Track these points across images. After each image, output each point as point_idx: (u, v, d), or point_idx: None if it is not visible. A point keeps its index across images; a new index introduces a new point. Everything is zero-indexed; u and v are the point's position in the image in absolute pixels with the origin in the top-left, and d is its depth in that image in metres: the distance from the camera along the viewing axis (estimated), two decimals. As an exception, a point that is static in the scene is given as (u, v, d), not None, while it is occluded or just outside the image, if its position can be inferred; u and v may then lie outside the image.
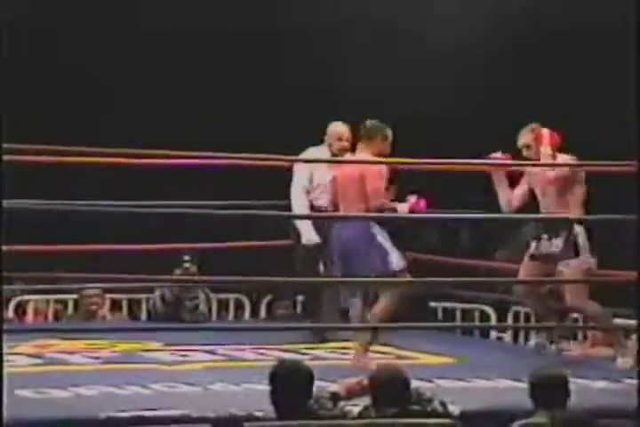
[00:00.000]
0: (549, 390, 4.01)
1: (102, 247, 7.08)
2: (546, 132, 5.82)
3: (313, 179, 6.30)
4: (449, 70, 9.02)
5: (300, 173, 6.30)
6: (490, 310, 7.02)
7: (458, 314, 7.15)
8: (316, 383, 4.16)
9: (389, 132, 5.70)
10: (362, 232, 5.54)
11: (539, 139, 5.77)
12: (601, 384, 5.02)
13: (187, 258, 6.91)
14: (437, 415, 4.10)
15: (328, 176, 6.09)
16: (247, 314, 7.35)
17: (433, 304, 7.18)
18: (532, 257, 5.80)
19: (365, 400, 4.19)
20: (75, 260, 7.01)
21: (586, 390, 4.77)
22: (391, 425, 3.98)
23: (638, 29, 4.61)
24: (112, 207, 5.99)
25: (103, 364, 5.42)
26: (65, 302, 7.19)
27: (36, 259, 6.69)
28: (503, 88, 8.95)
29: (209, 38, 9.21)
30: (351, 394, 4.26)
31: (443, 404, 4.18)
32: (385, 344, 5.87)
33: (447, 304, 7.16)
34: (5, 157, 4.34)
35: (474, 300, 7.08)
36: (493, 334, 6.97)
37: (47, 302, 7.13)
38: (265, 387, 4.14)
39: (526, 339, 6.68)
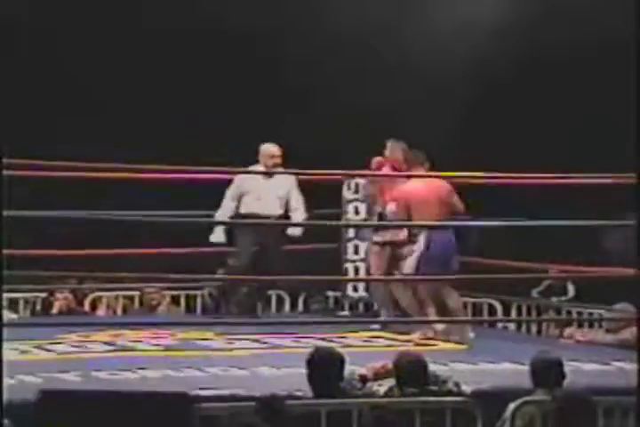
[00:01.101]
0: (547, 372, 4.02)
1: (160, 250, 7.11)
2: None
3: (246, 189, 6.47)
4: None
5: (234, 185, 6.49)
6: (496, 304, 7.02)
7: (469, 307, 7.15)
8: (347, 367, 4.19)
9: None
10: None
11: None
12: (592, 366, 5.03)
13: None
14: (452, 394, 4.11)
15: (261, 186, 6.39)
16: (287, 308, 7.39)
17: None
18: (377, 244, 6.15)
19: (390, 382, 4.21)
20: (137, 261, 7.04)
21: (579, 371, 4.78)
22: (413, 403, 4.00)
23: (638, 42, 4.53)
24: (168, 217, 6.09)
25: (164, 350, 5.45)
26: (131, 298, 7.26)
27: (106, 261, 6.75)
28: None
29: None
30: (377, 376, 4.29)
31: (457, 384, 4.19)
32: (405, 333, 5.90)
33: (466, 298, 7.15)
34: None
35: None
36: (500, 324, 6.97)
37: (116, 297, 7.20)
38: (303, 370, 4.17)
39: (528, 328, 6.69)
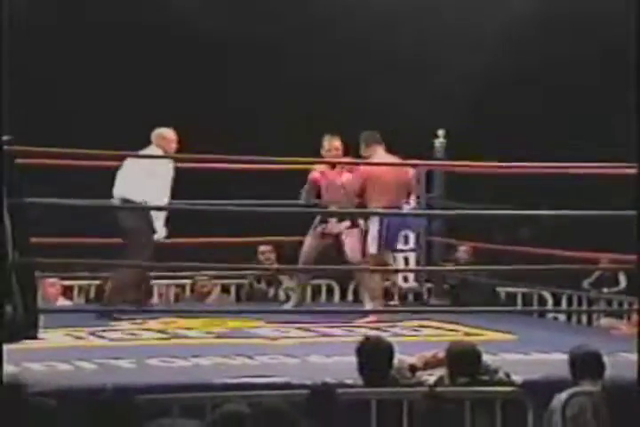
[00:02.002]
0: (587, 364, 4.02)
1: (209, 240, 7.17)
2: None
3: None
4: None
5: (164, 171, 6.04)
6: (547, 294, 7.00)
7: (519, 298, 7.14)
8: (396, 356, 4.21)
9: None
10: None
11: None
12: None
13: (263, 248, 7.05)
14: (503, 384, 4.12)
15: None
16: (337, 297, 7.42)
17: (498, 289, 7.17)
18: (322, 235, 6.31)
19: (440, 371, 4.23)
20: (190, 250, 7.10)
21: (629, 363, 4.75)
22: (464, 392, 4.02)
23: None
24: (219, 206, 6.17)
25: (216, 338, 5.50)
26: (183, 287, 7.34)
27: (158, 250, 6.82)
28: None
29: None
30: (427, 366, 4.30)
31: (507, 374, 4.20)
32: (454, 323, 5.92)
33: (510, 289, 7.15)
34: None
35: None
36: (550, 314, 6.95)
37: (168, 286, 7.28)
38: (353, 359, 4.20)
39: (578, 319, 6.66)
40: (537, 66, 8.75)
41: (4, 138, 4.46)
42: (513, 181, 6.29)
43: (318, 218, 6.46)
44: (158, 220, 6.01)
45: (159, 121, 6.17)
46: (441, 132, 7.38)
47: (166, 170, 5.98)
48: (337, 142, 6.36)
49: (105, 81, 8.58)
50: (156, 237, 6.03)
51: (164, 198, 5.93)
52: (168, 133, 6.11)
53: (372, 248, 6.27)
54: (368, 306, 6.23)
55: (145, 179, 5.87)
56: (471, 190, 6.87)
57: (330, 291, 7.40)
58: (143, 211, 5.97)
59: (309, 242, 6.43)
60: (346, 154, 6.42)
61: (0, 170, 4.35)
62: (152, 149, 6.09)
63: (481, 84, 8.78)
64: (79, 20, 8.67)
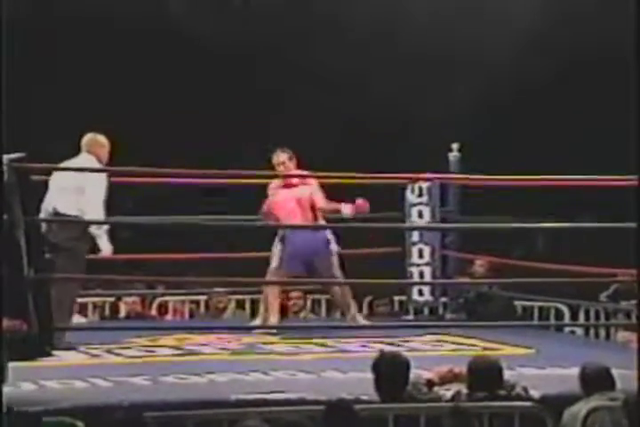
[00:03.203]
0: (598, 379, 4.02)
1: (226, 255, 7.18)
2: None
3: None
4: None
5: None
6: (564, 308, 6.96)
7: (535, 311, 7.11)
8: (413, 371, 4.20)
9: None
10: None
11: (292, 158, 6.34)
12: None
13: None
14: (520, 399, 4.11)
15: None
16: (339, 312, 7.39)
17: (515, 302, 7.15)
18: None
19: (457, 386, 4.21)
20: (204, 266, 7.12)
21: None
22: (482, 407, 4.00)
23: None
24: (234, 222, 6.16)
25: (231, 354, 5.49)
26: (197, 303, 7.34)
27: (172, 265, 6.83)
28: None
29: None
30: (444, 380, 4.28)
31: (525, 389, 4.17)
32: (470, 337, 5.89)
33: (526, 303, 7.12)
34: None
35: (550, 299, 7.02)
36: (567, 328, 6.91)
37: (183, 302, 7.29)
38: (369, 375, 4.19)
39: (596, 333, 6.62)
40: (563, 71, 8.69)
41: (17, 155, 4.48)
42: (529, 194, 6.28)
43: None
44: (100, 237, 5.53)
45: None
46: (455, 146, 7.39)
47: (100, 181, 5.52)
48: (283, 157, 6.38)
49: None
50: (102, 254, 5.59)
51: (99, 212, 5.47)
52: (102, 139, 5.66)
53: (274, 263, 6.39)
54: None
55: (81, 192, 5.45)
56: (487, 204, 6.85)
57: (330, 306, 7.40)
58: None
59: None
60: (298, 167, 6.46)
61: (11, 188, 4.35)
62: (84, 157, 5.62)
63: (494, 97, 8.78)
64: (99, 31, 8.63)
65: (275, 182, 6.54)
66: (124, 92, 8.44)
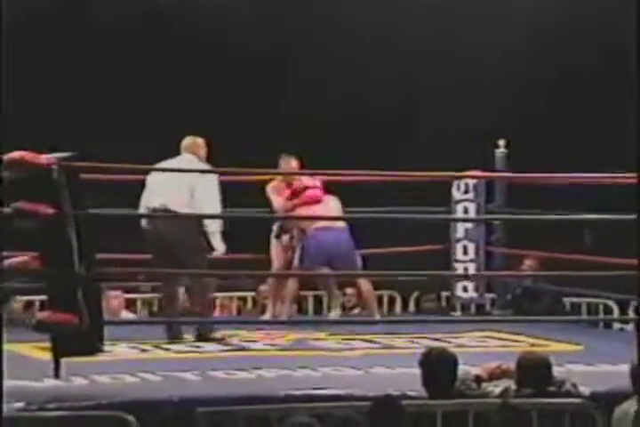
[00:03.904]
0: None
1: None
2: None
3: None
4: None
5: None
6: (613, 304, 6.90)
7: (584, 307, 7.05)
8: (461, 367, 4.18)
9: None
10: None
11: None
12: None
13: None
14: (570, 396, 4.07)
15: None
16: (398, 308, 7.39)
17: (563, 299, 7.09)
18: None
19: (505, 382, 4.19)
20: (251, 262, 7.12)
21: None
22: (531, 404, 3.97)
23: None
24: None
25: (279, 350, 5.52)
26: (244, 299, 7.37)
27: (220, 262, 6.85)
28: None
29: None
30: (492, 376, 4.26)
31: (574, 385, 4.14)
32: (518, 334, 5.86)
33: (575, 299, 7.06)
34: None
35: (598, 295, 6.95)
36: (616, 325, 6.84)
37: (230, 298, 7.32)
38: (416, 371, 4.18)
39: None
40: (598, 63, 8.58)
41: (67, 154, 4.54)
42: (578, 189, 6.21)
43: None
44: (214, 235, 5.74)
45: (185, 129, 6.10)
46: (502, 142, 7.34)
47: (212, 180, 5.75)
48: (293, 163, 6.47)
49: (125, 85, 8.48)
50: (215, 254, 5.79)
51: (216, 210, 5.71)
52: (201, 141, 5.95)
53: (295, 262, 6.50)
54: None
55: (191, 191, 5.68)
56: (534, 201, 6.79)
57: (392, 301, 7.38)
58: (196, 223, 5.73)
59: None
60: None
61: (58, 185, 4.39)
62: (186, 158, 5.84)
63: (543, 91, 8.69)
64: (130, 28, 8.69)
65: (275, 184, 6.54)
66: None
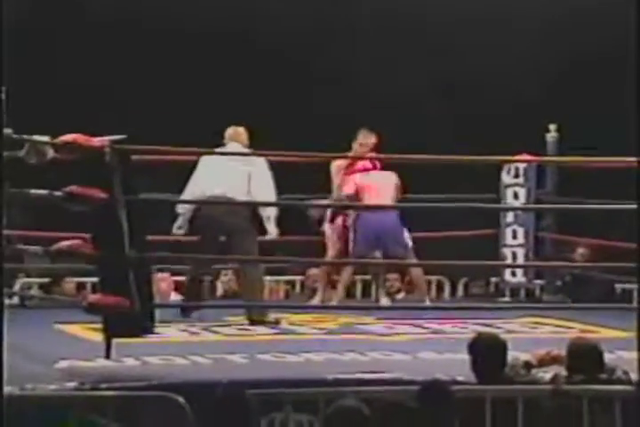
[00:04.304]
0: None
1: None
2: None
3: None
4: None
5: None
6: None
7: (635, 294, 6.98)
8: (510, 353, 4.17)
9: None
10: None
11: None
12: None
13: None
14: (622, 383, 4.05)
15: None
16: (447, 293, 7.38)
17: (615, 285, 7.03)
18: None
19: (555, 368, 4.17)
20: (298, 245, 7.14)
21: None
22: (582, 391, 3.95)
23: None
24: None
25: (327, 334, 5.54)
26: (292, 283, 7.40)
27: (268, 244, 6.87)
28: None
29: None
30: (542, 363, 4.24)
31: (625, 373, 4.12)
32: (568, 320, 5.83)
33: (626, 285, 7.00)
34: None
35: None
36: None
37: (278, 282, 7.35)
38: (465, 356, 4.17)
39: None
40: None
41: (118, 137, 4.58)
42: (630, 175, 6.14)
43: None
44: (269, 220, 5.93)
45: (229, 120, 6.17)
46: (553, 127, 7.28)
47: (266, 167, 5.92)
48: (372, 139, 6.52)
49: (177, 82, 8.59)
50: (268, 237, 5.95)
51: (271, 196, 5.87)
52: (242, 130, 6.07)
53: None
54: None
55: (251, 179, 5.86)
56: (586, 186, 6.73)
57: (440, 286, 7.37)
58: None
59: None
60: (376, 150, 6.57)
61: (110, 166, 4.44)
62: (234, 146, 5.99)
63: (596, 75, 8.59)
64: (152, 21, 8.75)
65: (341, 162, 6.54)
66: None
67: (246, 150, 6.00)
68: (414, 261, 6.55)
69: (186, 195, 5.95)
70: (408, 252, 6.52)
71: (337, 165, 6.64)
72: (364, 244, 6.47)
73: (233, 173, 5.85)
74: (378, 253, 6.53)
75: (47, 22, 8.50)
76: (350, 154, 6.61)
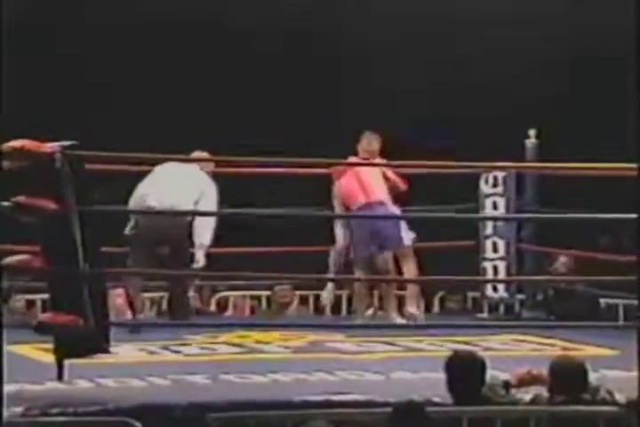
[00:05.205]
0: None
1: (289, 249, 7.19)
2: None
3: None
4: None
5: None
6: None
7: (620, 309, 6.99)
8: (489, 372, 4.15)
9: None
10: None
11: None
12: None
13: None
14: (606, 403, 4.04)
15: None
16: (421, 308, 7.36)
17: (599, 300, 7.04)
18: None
19: (536, 389, 4.16)
20: (265, 260, 7.13)
21: None
22: (564, 412, 3.94)
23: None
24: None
25: (294, 353, 5.51)
26: (259, 298, 7.36)
27: (233, 259, 6.87)
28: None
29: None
30: (522, 383, 4.23)
31: (609, 392, 4.11)
32: (550, 337, 5.82)
33: (610, 300, 7.01)
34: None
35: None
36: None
37: (243, 297, 7.31)
38: (441, 375, 4.15)
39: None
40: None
41: (69, 142, 4.52)
42: (615, 183, 6.16)
43: None
44: (201, 247, 6.12)
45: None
46: (532, 132, 7.29)
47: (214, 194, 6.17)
48: (375, 143, 6.56)
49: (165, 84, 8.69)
50: (195, 265, 6.16)
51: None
52: (207, 155, 6.27)
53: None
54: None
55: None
56: (568, 195, 6.75)
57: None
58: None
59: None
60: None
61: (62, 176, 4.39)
62: (194, 166, 6.31)
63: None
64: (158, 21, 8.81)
65: (339, 168, 6.56)
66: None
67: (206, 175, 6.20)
68: (412, 256, 6.49)
69: (133, 198, 6.10)
70: (402, 246, 6.48)
71: (335, 169, 6.63)
72: (362, 244, 6.47)
73: (186, 188, 6.04)
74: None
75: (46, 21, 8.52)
76: (354, 159, 6.60)
